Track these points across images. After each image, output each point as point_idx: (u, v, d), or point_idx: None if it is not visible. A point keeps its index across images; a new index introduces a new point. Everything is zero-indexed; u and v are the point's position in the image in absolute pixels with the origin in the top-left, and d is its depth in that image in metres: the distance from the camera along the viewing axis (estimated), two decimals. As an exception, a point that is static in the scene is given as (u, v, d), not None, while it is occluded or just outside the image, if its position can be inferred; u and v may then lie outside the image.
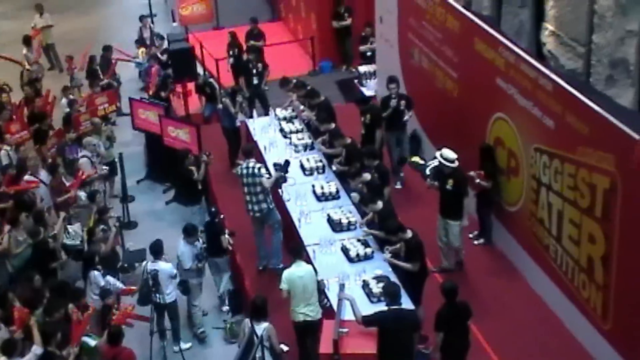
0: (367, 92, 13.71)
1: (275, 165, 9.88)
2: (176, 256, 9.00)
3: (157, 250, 8.85)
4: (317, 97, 11.47)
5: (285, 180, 9.77)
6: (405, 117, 10.98)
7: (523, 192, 9.16)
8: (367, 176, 9.47)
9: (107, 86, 14.11)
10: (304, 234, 9.28)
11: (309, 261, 8.48)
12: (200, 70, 14.45)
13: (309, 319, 8.01)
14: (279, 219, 9.67)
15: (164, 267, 8.81)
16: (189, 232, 8.93)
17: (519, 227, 9.33)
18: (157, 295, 8.71)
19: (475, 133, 9.99)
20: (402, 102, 10.92)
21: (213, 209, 9.83)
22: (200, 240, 9.12)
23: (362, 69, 14.15)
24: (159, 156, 12.47)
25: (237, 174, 9.71)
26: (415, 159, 11.66)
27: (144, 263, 8.97)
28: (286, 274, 8.05)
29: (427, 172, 10.87)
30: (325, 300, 8.14)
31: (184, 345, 9.15)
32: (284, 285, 8.01)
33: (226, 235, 9.38)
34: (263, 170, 9.59)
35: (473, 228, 10.04)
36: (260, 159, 10.80)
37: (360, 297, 8.13)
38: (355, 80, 14.34)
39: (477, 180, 9.44)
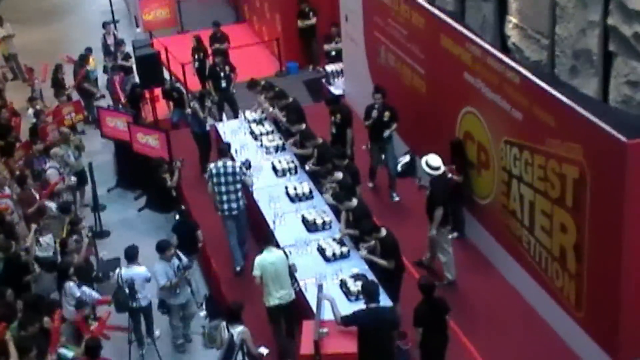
0: (335, 91, 13.71)
1: (242, 164, 10.00)
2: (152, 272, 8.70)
3: (132, 255, 8.80)
4: (285, 98, 11.44)
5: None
6: (386, 132, 10.51)
7: (494, 184, 9.22)
8: (339, 175, 9.47)
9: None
10: (279, 235, 9.25)
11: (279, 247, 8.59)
12: (166, 75, 14.35)
13: (283, 302, 8.19)
14: (247, 217, 9.97)
15: (139, 271, 8.76)
16: (162, 248, 8.62)
17: (491, 219, 9.40)
18: (133, 301, 8.66)
19: (445, 128, 10.04)
20: (387, 114, 10.51)
21: (183, 207, 9.93)
22: (177, 258, 8.69)
23: (329, 68, 14.15)
24: (129, 164, 12.36)
25: (212, 173, 9.61)
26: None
27: (117, 270, 8.92)
28: (258, 260, 8.18)
29: (399, 168, 10.94)
30: (296, 284, 8.29)
31: (157, 333, 9.07)
32: (256, 272, 8.13)
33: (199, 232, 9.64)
34: (244, 169, 9.77)
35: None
36: (253, 204, 10.61)
37: (338, 295, 8.14)
38: (323, 80, 14.33)
39: (449, 175, 9.48)
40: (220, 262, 10.03)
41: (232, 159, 9.98)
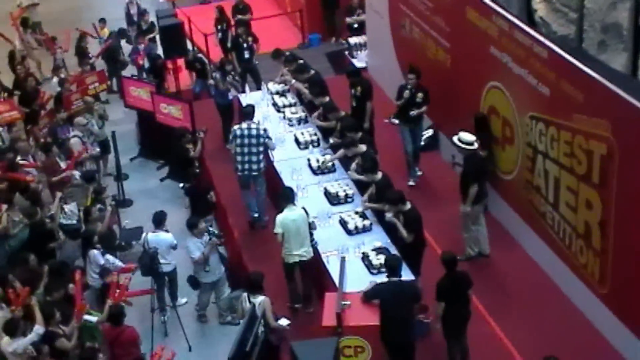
0: (358, 63, 13.59)
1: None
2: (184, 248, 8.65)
3: (159, 220, 8.93)
4: (307, 71, 11.36)
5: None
6: (414, 111, 10.29)
7: (518, 160, 9.15)
8: (362, 147, 9.41)
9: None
10: (312, 221, 9.12)
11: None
12: (189, 46, 14.33)
13: (303, 259, 8.41)
14: (265, 181, 10.09)
15: (165, 237, 8.87)
16: (192, 224, 8.55)
17: (515, 195, 9.34)
18: (158, 265, 8.73)
19: (469, 103, 9.94)
20: (419, 95, 10.26)
21: (197, 171, 10.07)
22: (207, 233, 8.60)
23: (353, 40, 14.03)
24: (151, 133, 12.39)
25: (236, 134, 9.75)
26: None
27: (144, 234, 9.02)
28: (280, 217, 8.37)
29: (422, 142, 10.86)
30: (315, 240, 8.51)
31: (181, 301, 9.26)
32: (278, 229, 8.34)
33: (212, 193, 9.90)
34: (268, 132, 9.90)
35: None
36: (271, 168, 10.56)
37: (360, 269, 8.17)
38: (346, 52, 14.23)
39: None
40: (240, 229, 10.14)
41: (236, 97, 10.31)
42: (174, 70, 13.65)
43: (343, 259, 7.96)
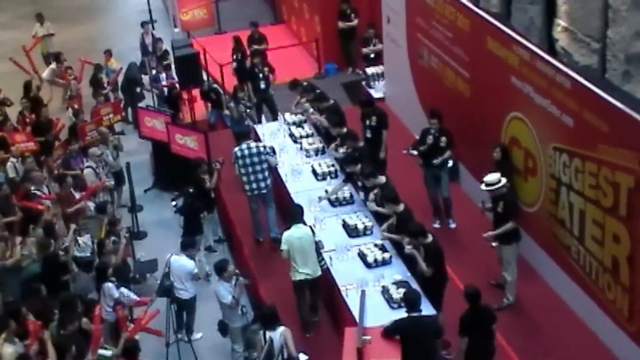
0: (375, 94, 13.65)
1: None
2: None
3: (187, 245, 9.11)
4: (325, 100, 11.42)
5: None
6: (438, 159, 10.03)
7: (542, 192, 9.11)
8: (382, 178, 9.40)
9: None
10: (318, 240, 9.19)
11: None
12: (204, 76, 14.44)
13: (309, 277, 8.61)
14: (273, 198, 10.35)
15: (185, 263, 8.97)
16: (221, 269, 8.39)
17: (538, 228, 9.28)
18: (176, 290, 8.91)
19: (490, 133, 9.94)
20: (443, 139, 10.06)
21: (191, 190, 10.29)
22: (234, 278, 8.46)
23: (370, 70, 14.11)
24: (166, 164, 12.44)
25: (237, 155, 10.06)
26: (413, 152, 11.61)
27: (168, 256, 9.10)
28: (286, 235, 8.65)
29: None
30: (323, 262, 8.71)
31: (196, 336, 9.30)
32: (284, 247, 8.61)
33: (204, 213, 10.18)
34: (268, 149, 10.22)
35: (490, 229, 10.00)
36: (281, 186, 10.72)
37: (380, 303, 8.14)
38: (363, 83, 14.29)
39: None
40: (255, 261, 10.16)
41: (255, 140, 10.53)
42: (189, 100, 13.74)
43: (363, 293, 7.92)
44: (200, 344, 9.20)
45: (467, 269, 9.55)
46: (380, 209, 9.16)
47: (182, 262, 8.97)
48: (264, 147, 10.20)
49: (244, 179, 10.09)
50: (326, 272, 8.70)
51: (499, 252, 9.03)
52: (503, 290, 8.99)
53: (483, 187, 8.82)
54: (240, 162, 10.06)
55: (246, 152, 10.04)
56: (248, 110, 12.46)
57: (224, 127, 13.22)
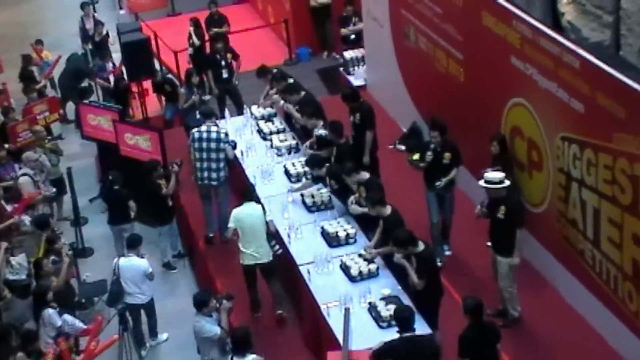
0: (356, 81, 13.68)
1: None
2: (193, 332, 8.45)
3: (133, 242, 9.31)
4: (298, 91, 11.36)
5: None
6: (441, 181, 9.60)
7: (549, 189, 9.13)
8: (365, 174, 9.36)
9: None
10: (294, 251, 9.24)
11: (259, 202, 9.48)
12: (157, 65, 14.45)
13: (258, 261, 9.05)
14: (229, 192, 10.58)
15: (138, 263, 9.14)
16: (202, 303, 8.20)
17: (546, 230, 9.29)
18: (129, 295, 9.17)
19: (488, 123, 9.95)
20: (446, 155, 9.60)
21: (111, 177, 10.64)
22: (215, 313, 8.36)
23: (348, 54, 14.12)
24: (114, 169, 12.26)
25: (194, 137, 10.32)
26: (416, 156, 11.60)
27: (115, 259, 9.32)
28: (235, 212, 9.10)
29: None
30: (277, 246, 9.18)
31: (162, 337, 9.69)
32: (231, 224, 9.07)
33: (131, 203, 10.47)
34: (229, 137, 10.40)
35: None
36: (240, 167, 10.71)
37: (367, 322, 8.11)
38: (341, 69, 14.30)
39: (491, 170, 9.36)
40: (220, 274, 10.17)
41: (217, 125, 10.70)
42: (139, 94, 13.66)
43: (347, 311, 7.90)
44: (166, 347, 9.46)
45: (466, 280, 9.55)
46: (364, 210, 9.08)
47: (133, 263, 9.14)
48: (226, 134, 10.39)
49: (197, 164, 10.37)
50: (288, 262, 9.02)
51: (492, 259, 8.91)
52: (505, 317, 8.93)
53: (482, 183, 8.80)
54: (196, 145, 10.30)
55: (204, 135, 10.25)
56: (204, 98, 12.40)
57: (181, 124, 13.11)
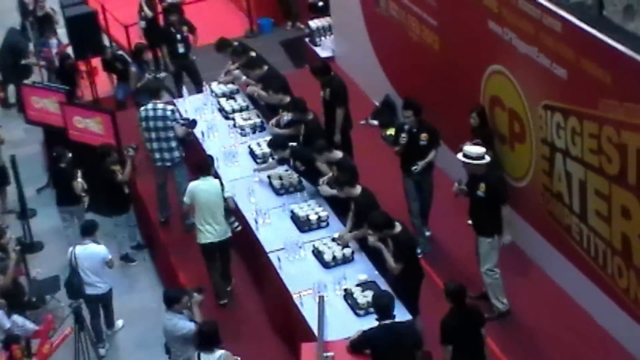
0: (322, 52, 13.68)
1: (183, 119, 10.66)
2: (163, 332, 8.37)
3: (89, 228, 9.35)
4: (260, 66, 11.29)
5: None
6: (418, 165, 9.53)
7: (532, 162, 9.20)
8: (338, 153, 9.35)
9: None
10: (262, 237, 9.24)
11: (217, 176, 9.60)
12: (106, 41, 14.32)
13: (215, 240, 9.21)
14: (186, 173, 10.55)
15: (96, 250, 9.21)
16: (174, 299, 8.09)
17: (530, 205, 9.36)
18: (89, 287, 9.22)
19: (466, 94, 9.98)
20: (423, 136, 9.49)
21: (55, 154, 10.66)
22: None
23: (314, 24, 14.09)
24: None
25: (141, 116, 10.43)
26: (391, 131, 11.63)
27: (71, 248, 9.34)
28: (190, 186, 9.32)
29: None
30: (236, 223, 9.30)
31: (118, 324, 9.85)
32: (186, 199, 9.30)
33: (79, 180, 10.51)
34: (177, 114, 10.46)
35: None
36: (200, 149, 10.66)
37: (343, 310, 8.13)
38: (307, 40, 14.25)
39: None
40: (184, 267, 10.12)
41: (170, 103, 10.81)
42: (88, 73, 13.52)
43: (321, 299, 7.91)
44: (124, 335, 9.53)
45: (447, 263, 9.63)
46: (333, 192, 9.09)
47: (91, 250, 9.20)
48: (172, 111, 10.40)
49: (147, 145, 10.48)
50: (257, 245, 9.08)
51: (477, 245, 8.93)
52: (489, 300, 8.95)
53: (460, 156, 8.81)
54: (144, 124, 10.39)
55: (150, 113, 10.31)
56: (159, 76, 12.35)
57: (135, 104, 12.98)
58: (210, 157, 9.83)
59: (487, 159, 8.73)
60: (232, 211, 9.28)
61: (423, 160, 9.60)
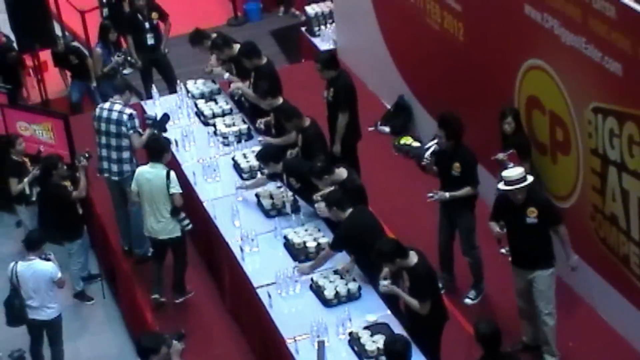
0: (322, 44, 13.73)
1: (148, 119, 10.94)
2: None
3: (34, 241, 9.42)
4: (254, 57, 11.26)
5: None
6: (432, 194, 9.42)
7: (579, 177, 9.19)
8: (342, 173, 9.34)
9: None
10: (249, 269, 9.24)
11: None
12: (58, 30, 14.28)
13: (159, 237, 9.68)
14: None
15: (43, 267, 9.27)
16: (147, 350, 7.86)
17: (577, 231, 9.28)
18: (32, 312, 9.32)
19: (496, 93, 10.01)
20: (456, 166, 9.39)
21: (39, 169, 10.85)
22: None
23: (312, 9, 14.17)
24: (2, 170, 12.12)
25: (93, 115, 10.62)
26: (406, 140, 11.63)
27: (12, 264, 9.46)
28: (137, 172, 9.76)
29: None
30: (186, 221, 9.67)
31: None
32: (133, 186, 9.72)
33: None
34: (136, 122, 10.46)
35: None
36: (172, 161, 10.68)
37: (348, 359, 8.11)
38: (303, 29, 14.30)
39: (510, 165, 9.41)
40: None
41: (131, 94, 11.10)
42: (35, 69, 13.60)
43: (321, 345, 7.87)
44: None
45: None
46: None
47: (37, 268, 9.27)
48: (131, 116, 10.37)
49: (97, 150, 10.62)
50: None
51: (520, 280, 8.85)
52: (539, 350, 8.91)
53: (501, 185, 8.60)
54: (95, 125, 10.51)
55: (105, 113, 10.41)
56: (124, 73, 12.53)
57: (92, 106, 12.99)
58: (167, 140, 10.15)
59: (530, 178, 8.64)
60: (180, 209, 9.56)
61: (456, 192, 9.41)
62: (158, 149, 9.73)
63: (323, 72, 10.80)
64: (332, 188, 9.30)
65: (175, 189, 9.52)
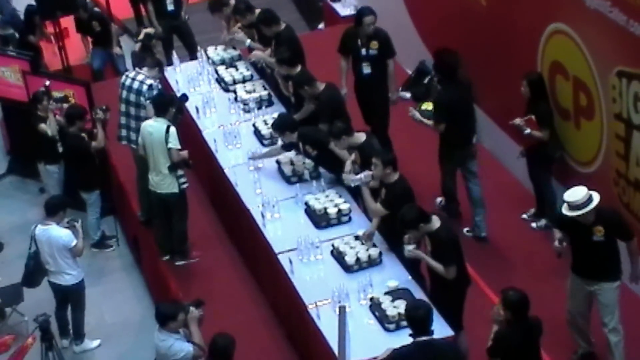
0: (343, 10, 13.73)
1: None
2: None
3: (54, 207, 9.50)
4: (272, 24, 11.25)
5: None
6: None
7: (602, 142, 9.17)
8: (361, 136, 9.31)
9: None
10: (271, 236, 9.25)
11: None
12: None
13: (158, 190, 9.75)
14: None
15: (57, 234, 9.31)
16: (168, 317, 8.04)
17: (601, 196, 9.24)
18: (51, 274, 9.46)
19: (518, 58, 9.99)
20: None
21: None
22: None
23: (333, -26, 14.16)
24: (27, 135, 12.17)
25: (119, 82, 10.72)
26: (427, 106, 11.59)
27: (32, 227, 9.54)
28: (142, 126, 9.85)
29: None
30: (182, 179, 9.74)
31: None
32: (140, 140, 9.85)
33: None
34: (154, 93, 10.42)
35: (528, 205, 10.08)
36: (195, 128, 10.70)
37: (369, 324, 8.16)
38: (324, -7, 14.32)
39: (527, 131, 9.40)
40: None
41: (160, 72, 10.82)
42: (57, 35, 13.57)
43: (342, 311, 7.91)
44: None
45: (499, 265, 9.59)
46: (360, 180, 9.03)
47: (53, 234, 9.31)
48: (150, 87, 10.34)
49: (120, 120, 10.66)
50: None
51: (580, 289, 8.45)
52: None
53: (566, 211, 8.17)
54: (119, 91, 10.57)
55: (128, 81, 10.48)
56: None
57: (115, 74, 13.03)
58: (184, 96, 10.37)
59: (596, 198, 8.15)
60: (177, 165, 9.60)
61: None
62: (162, 102, 9.74)
63: (352, 29, 10.86)
64: (356, 154, 9.31)
65: (173, 144, 9.52)
